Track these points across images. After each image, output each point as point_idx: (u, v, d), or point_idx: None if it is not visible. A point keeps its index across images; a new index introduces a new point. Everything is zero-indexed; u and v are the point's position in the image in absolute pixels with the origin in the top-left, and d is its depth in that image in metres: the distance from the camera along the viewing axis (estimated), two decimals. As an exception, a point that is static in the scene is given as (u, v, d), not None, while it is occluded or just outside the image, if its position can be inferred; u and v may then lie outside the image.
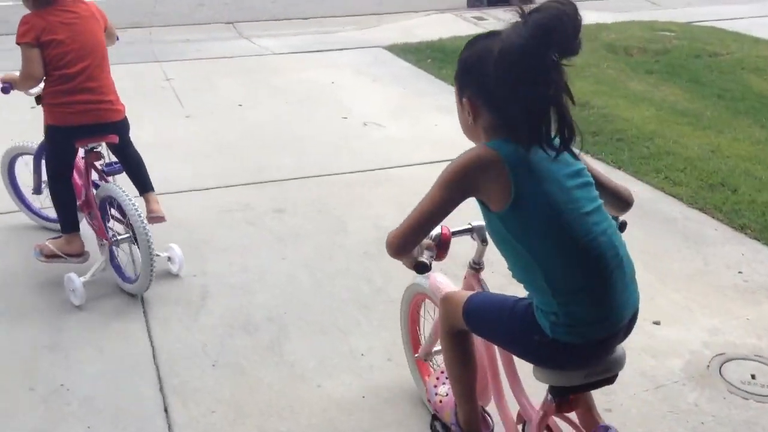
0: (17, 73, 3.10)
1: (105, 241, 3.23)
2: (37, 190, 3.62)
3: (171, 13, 9.32)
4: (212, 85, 6.30)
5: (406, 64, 7.13)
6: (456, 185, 1.63)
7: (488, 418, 2.17)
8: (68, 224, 3.24)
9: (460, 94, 1.70)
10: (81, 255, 3.28)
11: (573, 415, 1.93)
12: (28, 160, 3.64)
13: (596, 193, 1.68)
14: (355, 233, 3.79)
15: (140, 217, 3.02)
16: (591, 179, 1.69)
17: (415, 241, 1.71)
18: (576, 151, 1.65)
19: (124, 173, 3.34)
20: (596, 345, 1.68)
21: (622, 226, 1.86)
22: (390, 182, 4.45)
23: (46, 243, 3.28)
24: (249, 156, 4.80)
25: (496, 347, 2.05)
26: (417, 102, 5.99)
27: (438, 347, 2.25)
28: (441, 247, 1.88)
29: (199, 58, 7.16)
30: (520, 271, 1.72)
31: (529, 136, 1.57)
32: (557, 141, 1.59)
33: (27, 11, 3.04)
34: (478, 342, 2.06)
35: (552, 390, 1.79)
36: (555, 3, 1.49)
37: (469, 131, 1.73)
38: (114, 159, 3.32)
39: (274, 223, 3.92)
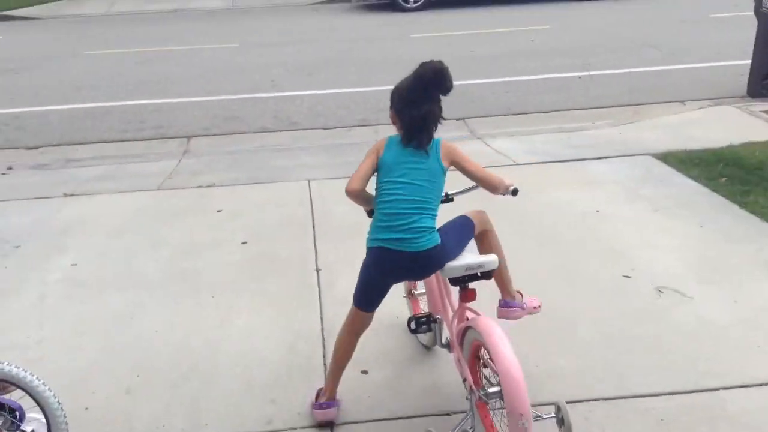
0: None
1: None
2: None
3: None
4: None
5: (692, 183, 5.38)
6: (371, 153, 2.79)
7: None
8: None
9: (390, 107, 2.79)
10: None
11: None
12: None
13: (427, 173, 2.71)
14: None
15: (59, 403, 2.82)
16: (428, 169, 2.71)
17: (362, 185, 2.78)
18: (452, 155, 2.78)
19: None
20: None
21: (514, 192, 2.84)
22: (723, 421, 2.81)
23: None
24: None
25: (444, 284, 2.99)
26: (727, 250, 4.27)
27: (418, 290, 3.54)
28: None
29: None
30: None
31: (405, 136, 2.72)
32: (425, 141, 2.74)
33: None
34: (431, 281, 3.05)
35: (452, 282, 2.80)
36: (431, 63, 2.62)
37: (395, 131, 2.82)
38: None
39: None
